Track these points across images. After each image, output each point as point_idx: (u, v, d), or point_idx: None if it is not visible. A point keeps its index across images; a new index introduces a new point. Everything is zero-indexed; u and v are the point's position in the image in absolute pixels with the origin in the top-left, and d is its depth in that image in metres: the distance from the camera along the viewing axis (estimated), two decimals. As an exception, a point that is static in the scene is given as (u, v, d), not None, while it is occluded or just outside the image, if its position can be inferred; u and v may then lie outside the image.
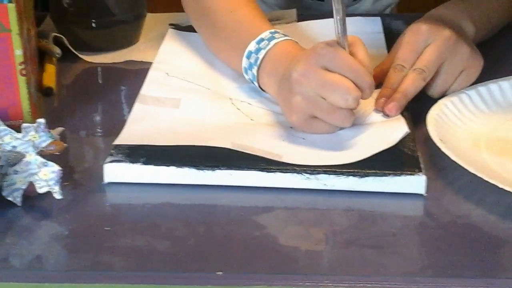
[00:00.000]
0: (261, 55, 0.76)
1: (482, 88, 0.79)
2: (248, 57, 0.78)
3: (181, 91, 0.80)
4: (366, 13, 1.16)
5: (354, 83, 0.68)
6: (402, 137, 0.69)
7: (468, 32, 0.83)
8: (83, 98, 0.85)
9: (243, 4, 0.84)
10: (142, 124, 0.73)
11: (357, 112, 0.72)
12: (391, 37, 0.91)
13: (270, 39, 0.77)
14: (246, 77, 0.80)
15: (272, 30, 0.78)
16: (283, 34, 0.78)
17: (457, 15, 0.83)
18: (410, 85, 0.75)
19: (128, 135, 0.71)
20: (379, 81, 0.78)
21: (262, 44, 0.77)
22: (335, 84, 0.68)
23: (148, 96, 0.79)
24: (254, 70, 0.77)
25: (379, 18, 0.98)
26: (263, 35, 0.77)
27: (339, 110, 0.69)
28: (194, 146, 0.68)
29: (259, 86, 0.79)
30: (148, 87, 0.81)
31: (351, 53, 0.71)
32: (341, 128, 0.72)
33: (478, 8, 0.86)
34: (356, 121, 0.72)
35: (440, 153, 0.68)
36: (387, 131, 0.71)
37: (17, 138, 0.64)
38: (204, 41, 0.90)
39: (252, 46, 0.77)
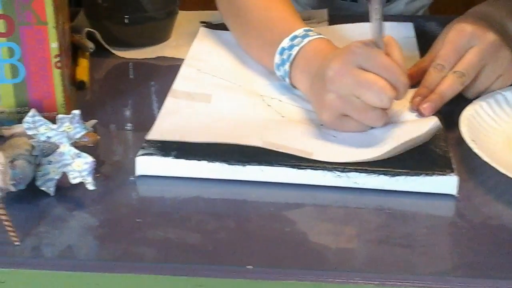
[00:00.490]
0: (294, 51, 0.77)
1: (518, 89, 0.79)
2: (281, 53, 0.78)
3: (212, 87, 0.81)
4: (399, 14, 1.16)
5: (389, 83, 0.68)
6: (434, 129, 0.68)
7: (510, 32, 0.82)
8: (115, 93, 0.85)
9: (277, 2, 0.84)
10: (174, 118, 0.74)
11: (389, 112, 0.72)
12: (424, 39, 0.91)
13: (304, 37, 0.77)
14: (278, 73, 0.80)
15: (306, 28, 0.78)
16: (317, 33, 0.78)
17: (501, 14, 0.82)
18: (448, 87, 0.75)
19: (160, 130, 0.71)
20: (416, 80, 0.78)
21: (295, 41, 0.77)
22: (371, 83, 0.68)
23: (180, 91, 0.79)
24: (287, 66, 0.77)
25: (411, 24, 0.97)
26: (296, 32, 0.78)
27: (372, 110, 0.69)
28: (225, 143, 0.69)
29: (291, 83, 0.79)
30: (180, 82, 0.81)
31: (386, 54, 0.71)
32: (372, 128, 0.72)
33: None
34: (388, 120, 0.72)
35: (472, 154, 0.67)
36: (418, 123, 0.71)
37: (52, 129, 0.65)
38: (236, 38, 0.90)
39: (285, 43, 0.78)
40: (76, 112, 0.65)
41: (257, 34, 0.84)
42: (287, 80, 0.79)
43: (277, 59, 0.79)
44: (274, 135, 0.71)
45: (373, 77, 0.68)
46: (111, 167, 0.70)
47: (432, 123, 0.68)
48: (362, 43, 0.70)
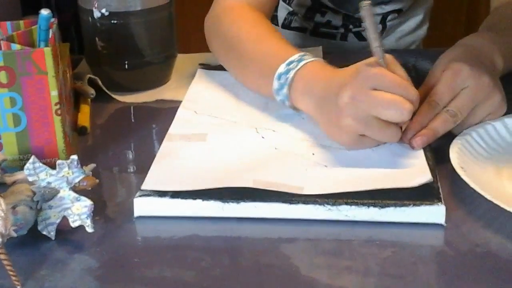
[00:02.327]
0: (291, 74, 0.80)
1: (508, 120, 0.81)
2: (279, 78, 0.82)
3: (208, 127, 0.83)
4: (390, 49, 1.18)
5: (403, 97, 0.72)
6: (424, 183, 0.69)
7: (498, 66, 0.84)
8: (116, 136, 0.88)
9: (269, 35, 0.88)
10: (168, 163, 0.75)
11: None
12: (416, 74, 0.93)
13: (299, 60, 0.81)
14: (277, 98, 0.83)
15: (301, 53, 0.82)
16: (312, 56, 0.82)
17: (492, 48, 0.85)
18: (441, 125, 0.77)
19: (155, 179, 0.72)
20: None
21: (291, 65, 0.81)
22: (388, 101, 0.72)
23: (175, 134, 0.82)
24: (285, 90, 0.81)
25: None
26: (292, 58, 0.82)
27: (389, 128, 0.73)
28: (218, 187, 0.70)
29: (291, 105, 0.82)
30: (176, 126, 0.84)
31: (391, 71, 0.75)
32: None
33: (506, 42, 0.88)
34: (381, 147, 0.75)
35: (462, 183, 0.69)
36: (410, 172, 0.72)
37: (52, 175, 0.68)
38: (232, 72, 0.93)
39: (282, 68, 0.81)
40: (74, 157, 0.67)
41: (253, 65, 0.88)
42: (287, 103, 0.82)
43: (275, 84, 0.82)
44: (265, 173, 0.73)
45: (389, 96, 0.72)
46: (111, 209, 0.73)
47: (424, 179, 0.69)
48: (368, 65, 0.74)
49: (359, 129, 0.74)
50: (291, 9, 1.19)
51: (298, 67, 0.80)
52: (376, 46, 0.74)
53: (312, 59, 0.81)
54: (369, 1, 0.73)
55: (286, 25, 1.20)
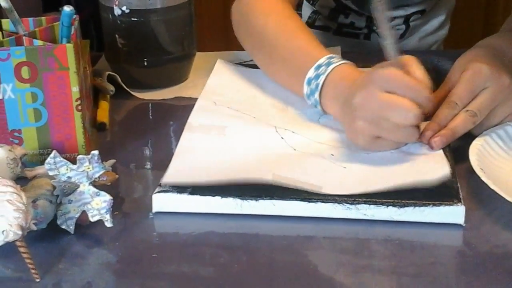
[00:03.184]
0: (321, 80, 0.81)
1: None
2: (309, 83, 0.82)
3: (228, 119, 0.83)
4: (413, 50, 1.18)
5: (414, 100, 0.72)
6: (443, 178, 0.69)
7: None
8: (134, 133, 0.88)
9: (298, 32, 0.88)
10: (188, 157, 0.76)
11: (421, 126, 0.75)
12: (437, 74, 0.92)
13: (327, 65, 0.81)
14: (309, 102, 0.84)
15: (328, 56, 0.82)
16: (339, 58, 0.82)
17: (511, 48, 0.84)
18: (460, 125, 0.77)
19: (174, 172, 0.73)
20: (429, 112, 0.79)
21: (320, 70, 0.81)
22: (395, 104, 0.72)
23: (196, 124, 0.82)
24: (317, 96, 0.82)
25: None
26: (320, 61, 0.82)
27: (402, 128, 0.73)
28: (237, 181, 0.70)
29: (323, 110, 0.83)
30: (196, 115, 0.84)
31: (407, 72, 0.74)
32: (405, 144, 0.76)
33: None
34: (400, 148, 0.75)
35: (481, 184, 0.69)
36: (429, 167, 0.72)
37: (72, 169, 0.68)
38: (261, 67, 0.94)
39: (311, 73, 0.82)
40: (95, 152, 0.68)
41: (282, 63, 0.88)
42: (319, 107, 0.83)
43: (306, 89, 0.83)
44: (285, 170, 0.73)
45: (396, 98, 0.72)
46: (130, 204, 0.73)
47: (443, 173, 0.69)
48: (381, 67, 0.74)
49: (372, 130, 0.74)
50: (315, 8, 1.19)
51: (327, 72, 0.80)
52: (388, 42, 0.74)
53: (340, 62, 0.81)
54: None
55: (310, 24, 1.20)
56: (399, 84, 0.73)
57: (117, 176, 0.71)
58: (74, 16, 0.81)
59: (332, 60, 0.81)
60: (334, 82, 0.80)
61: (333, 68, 0.80)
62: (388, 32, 0.74)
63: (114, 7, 0.94)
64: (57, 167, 0.68)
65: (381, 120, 0.73)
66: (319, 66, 0.81)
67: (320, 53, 0.83)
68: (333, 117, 0.82)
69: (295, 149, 0.78)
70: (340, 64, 0.81)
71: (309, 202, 0.68)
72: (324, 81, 0.80)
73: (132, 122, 0.93)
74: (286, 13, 0.92)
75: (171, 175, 0.72)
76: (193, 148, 0.78)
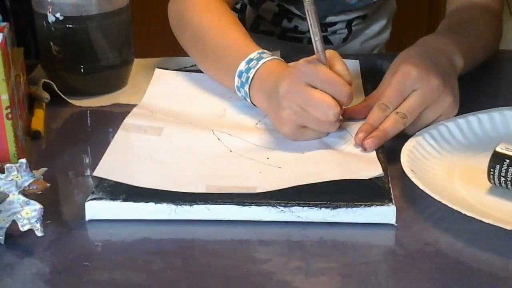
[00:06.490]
0: (251, 74, 0.83)
1: (461, 121, 0.82)
2: (240, 76, 0.84)
3: (164, 122, 0.83)
4: (355, 53, 1.20)
5: (334, 97, 0.76)
6: (375, 176, 0.70)
7: (457, 66, 0.86)
8: (72, 140, 0.87)
9: (231, 28, 0.91)
10: (122, 153, 0.76)
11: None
12: (379, 76, 0.93)
13: (258, 59, 0.84)
14: (239, 94, 0.86)
15: (260, 51, 0.85)
16: (270, 54, 0.85)
17: (451, 48, 0.86)
18: (391, 126, 0.78)
19: (107, 166, 0.73)
20: (364, 115, 0.81)
21: (251, 64, 0.83)
22: (317, 101, 0.76)
23: (131, 124, 0.82)
24: (246, 88, 0.84)
25: (357, 61, 1.01)
26: (251, 55, 0.84)
27: (322, 122, 0.76)
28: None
29: (251, 102, 0.85)
30: (132, 117, 0.84)
31: (330, 67, 0.78)
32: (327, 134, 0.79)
33: (466, 42, 0.89)
34: (334, 147, 0.77)
35: (413, 184, 0.70)
36: (362, 167, 0.73)
37: (1, 179, 0.67)
38: (197, 63, 0.96)
39: (242, 66, 0.84)
40: (23, 161, 0.66)
41: (216, 58, 0.90)
42: (248, 100, 0.85)
43: (236, 81, 0.85)
44: (219, 176, 0.73)
45: (318, 95, 0.76)
46: (63, 213, 0.72)
47: (375, 173, 0.70)
48: (307, 61, 0.78)
49: (296, 119, 0.77)
50: (258, 13, 1.20)
51: (258, 66, 0.83)
52: (316, 39, 0.77)
53: (270, 57, 0.84)
54: None
55: (253, 29, 1.21)
56: (322, 79, 0.76)
57: (48, 184, 0.70)
58: (4, 24, 0.80)
59: (263, 55, 0.84)
60: (262, 76, 0.82)
61: (264, 63, 0.83)
62: (317, 30, 0.77)
63: (48, 13, 0.93)
64: (-15, 177, 0.67)
65: (303, 112, 0.76)
66: (250, 60, 0.84)
67: (252, 48, 0.86)
68: (261, 109, 0.84)
69: (231, 151, 0.78)
70: (270, 59, 0.83)
71: (243, 206, 0.68)
72: (254, 74, 0.83)
73: (69, 129, 0.92)
74: (220, 10, 0.94)
75: (101, 169, 0.72)
76: (127, 146, 0.77)
